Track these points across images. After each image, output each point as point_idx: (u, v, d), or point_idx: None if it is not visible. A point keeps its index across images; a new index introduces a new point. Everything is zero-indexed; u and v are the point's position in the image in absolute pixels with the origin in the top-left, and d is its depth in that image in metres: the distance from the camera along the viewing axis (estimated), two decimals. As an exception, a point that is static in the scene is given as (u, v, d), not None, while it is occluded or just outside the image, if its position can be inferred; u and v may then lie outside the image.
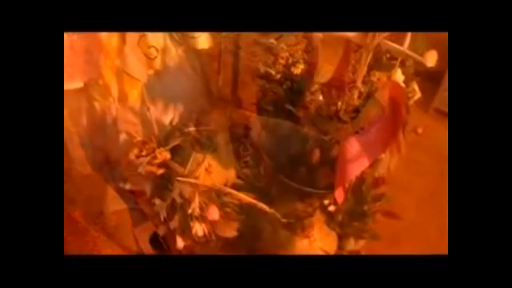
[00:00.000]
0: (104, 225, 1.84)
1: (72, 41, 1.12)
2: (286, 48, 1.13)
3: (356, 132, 1.01)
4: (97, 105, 1.36)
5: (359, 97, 1.09)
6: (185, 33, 1.28)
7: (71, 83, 1.22)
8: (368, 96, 1.13)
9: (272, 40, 1.06)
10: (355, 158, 0.88)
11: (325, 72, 1.12)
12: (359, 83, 1.07)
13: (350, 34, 0.93)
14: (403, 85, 1.18)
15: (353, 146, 0.88)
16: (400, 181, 1.16)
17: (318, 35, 1.18)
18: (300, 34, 1.29)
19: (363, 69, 1.06)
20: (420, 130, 1.11)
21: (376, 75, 1.20)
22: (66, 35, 1.10)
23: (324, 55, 1.14)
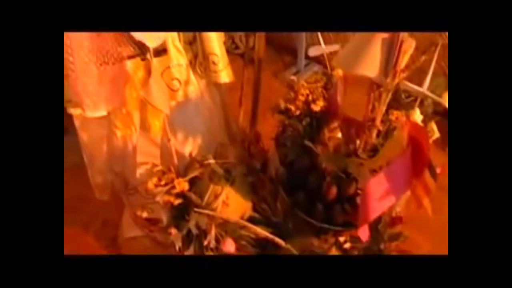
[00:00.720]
0: (117, 250, 1.85)
1: (100, 72, 1.15)
2: (307, 85, 1.15)
3: (375, 171, 1.01)
4: (118, 133, 1.39)
5: (377, 136, 1.10)
6: (208, 67, 1.32)
7: (96, 111, 1.25)
8: (387, 135, 1.13)
9: (292, 77, 1.08)
10: (380, 196, 0.88)
11: (344, 110, 1.13)
12: (378, 122, 1.08)
13: (371, 74, 0.94)
14: (422, 124, 1.19)
15: (377, 184, 0.88)
16: (418, 220, 1.15)
17: (338, 72, 1.20)
18: (320, 71, 1.32)
19: (382, 108, 1.07)
20: (438, 170, 1.11)
21: (395, 114, 1.21)
22: (95, 66, 1.14)
23: (343, 93, 1.15)
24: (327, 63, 1.17)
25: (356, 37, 0.97)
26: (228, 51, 1.37)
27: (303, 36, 2.47)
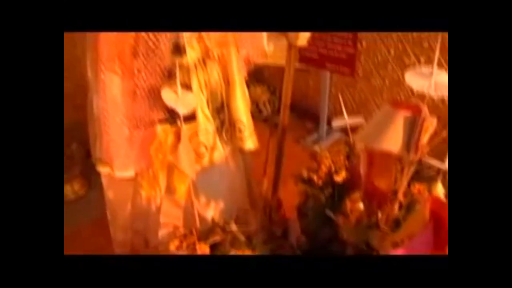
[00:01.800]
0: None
1: (132, 135, 1.21)
2: (329, 156, 1.17)
3: (397, 244, 1.01)
4: (143, 193, 1.42)
5: (399, 209, 1.10)
6: (234, 134, 1.36)
7: (124, 172, 1.30)
8: (409, 208, 1.14)
9: (315, 147, 1.12)
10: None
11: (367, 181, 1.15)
12: (400, 195, 1.09)
13: (393, 150, 0.97)
14: (444, 199, 1.19)
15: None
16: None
17: (360, 145, 1.23)
18: (342, 139, 1.35)
19: (405, 182, 1.09)
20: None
21: (417, 187, 1.22)
22: (128, 129, 1.20)
23: (366, 164, 1.17)
24: (350, 135, 1.20)
25: (378, 114, 1.00)
26: (251, 116, 1.42)
27: (325, 103, 2.54)
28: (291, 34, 1.23)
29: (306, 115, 2.75)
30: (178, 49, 1.18)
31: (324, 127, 2.59)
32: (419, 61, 2.25)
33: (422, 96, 0.96)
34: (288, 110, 1.38)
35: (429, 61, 1.70)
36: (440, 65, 0.95)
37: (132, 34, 1.13)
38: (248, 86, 1.40)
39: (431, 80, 0.93)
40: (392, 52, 2.34)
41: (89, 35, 1.20)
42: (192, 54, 1.20)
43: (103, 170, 1.34)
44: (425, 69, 0.97)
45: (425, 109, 0.96)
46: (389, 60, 2.36)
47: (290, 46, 1.29)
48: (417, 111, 0.97)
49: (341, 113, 1.23)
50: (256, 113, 2.77)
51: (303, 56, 2.28)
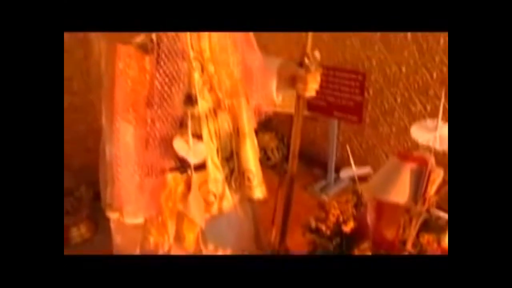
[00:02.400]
0: None
1: (143, 182, 1.23)
2: (337, 205, 1.18)
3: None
4: (151, 239, 1.42)
5: (409, 260, 1.09)
6: (243, 183, 1.38)
7: (134, 218, 1.31)
8: (418, 259, 1.13)
9: (324, 196, 1.13)
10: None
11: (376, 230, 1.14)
12: (409, 246, 1.08)
13: (401, 201, 0.98)
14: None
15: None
16: None
17: (368, 195, 1.24)
18: (350, 187, 1.36)
19: (413, 232, 1.09)
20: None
21: (426, 238, 1.21)
22: (139, 177, 1.22)
23: (373, 214, 1.18)
24: (358, 185, 1.22)
25: (385, 166, 1.02)
26: (260, 163, 1.44)
27: (333, 151, 2.56)
28: (300, 86, 1.27)
29: (314, 162, 2.77)
30: (190, 100, 1.22)
31: (332, 174, 2.61)
32: (425, 109, 2.28)
33: (428, 146, 0.98)
34: (296, 160, 1.40)
35: (435, 109, 1.73)
36: (444, 118, 0.97)
37: (147, 85, 1.17)
38: (256, 133, 1.43)
39: (435, 134, 0.95)
40: (398, 100, 2.38)
41: (106, 84, 1.25)
42: (203, 105, 1.24)
43: (112, 216, 1.35)
44: (430, 123, 1.00)
45: (431, 161, 0.98)
46: (396, 108, 2.40)
47: (299, 96, 1.33)
48: (423, 163, 0.99)
49: (349, 161, 1.25)
50: (264, 160, 2.79)
51: (311, 104, 2.33)
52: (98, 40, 1.23)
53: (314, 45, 1.28)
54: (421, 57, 2.16)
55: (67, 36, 1.94)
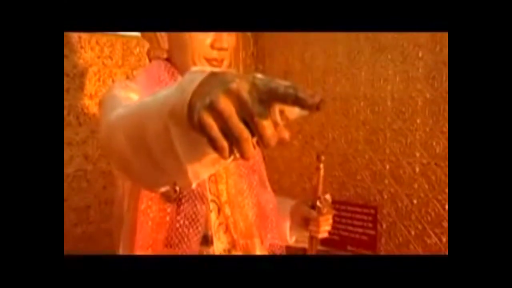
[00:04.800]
0: None
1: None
2: None
3: None
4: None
5: None
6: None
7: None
8: None
9: None
10: None
11: None
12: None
13: None
14: None
15: None
16: None
17: None
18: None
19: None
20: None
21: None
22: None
23: None
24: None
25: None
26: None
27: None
28: (313, 228, 1.32)
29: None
30: (206, 240, 1.27)
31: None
32: (440, 241, 2.27)
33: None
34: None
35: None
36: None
37: (166, 226, 1.23)
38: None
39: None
40: (412, 232, 2.38)
41: (127, 224, 1.30)
42: (219, 246, 1.29)
43: None
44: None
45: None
46: (410, 241, 2.39)
47: (311, 237, 1.37)
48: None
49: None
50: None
51: (325, 239, 2.34)
52: (123, 181, 1.32)
53: (326, 186, 1.36)
54: (431, 189, 2.22)
55: (89, 166, 2.06)
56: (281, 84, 0.57)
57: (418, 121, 2.10)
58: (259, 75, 0.62)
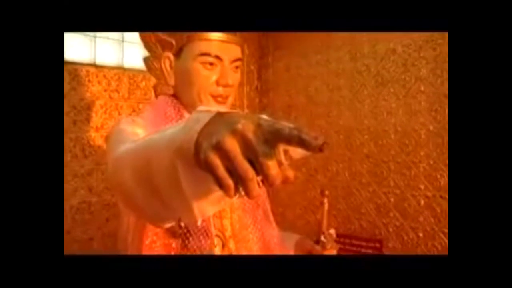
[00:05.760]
0: None
1: None
2: None
3: None
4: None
5: None
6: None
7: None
8: None
9: None
10: None
11: None
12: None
13: None
14: None
15: None
16: None
17: None
18: None
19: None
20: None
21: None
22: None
23: None
24: None
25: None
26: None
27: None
28: None
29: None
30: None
31: None
32: (447, 277, 2.24)
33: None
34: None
35: None
36: None
37: (170, 261, 1.22)
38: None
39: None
40: None
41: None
42: (223, 281, 1.27)
43: None
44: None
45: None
46: None
47: (316, 272, 1.35)
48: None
49: None
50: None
51: None
52: (128, 215, 1.33)
53: (330, 219, 1.36)
54: (437, 222, 2.20)
55: (93, 198, 2.07)
56: (286, 125, 0.58)
57: (422, 153, 2.11)
58: (264, 116, 0.63)
